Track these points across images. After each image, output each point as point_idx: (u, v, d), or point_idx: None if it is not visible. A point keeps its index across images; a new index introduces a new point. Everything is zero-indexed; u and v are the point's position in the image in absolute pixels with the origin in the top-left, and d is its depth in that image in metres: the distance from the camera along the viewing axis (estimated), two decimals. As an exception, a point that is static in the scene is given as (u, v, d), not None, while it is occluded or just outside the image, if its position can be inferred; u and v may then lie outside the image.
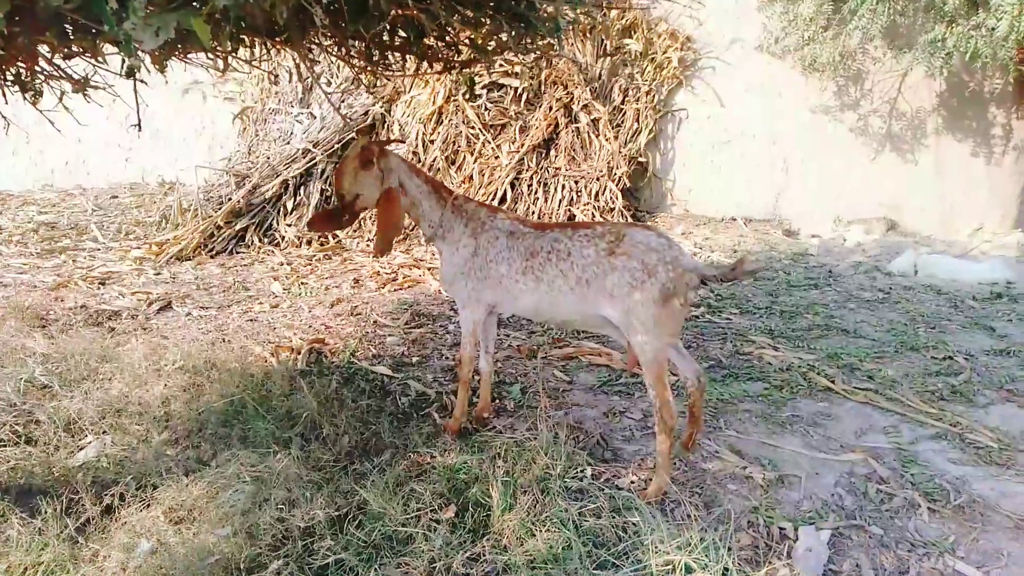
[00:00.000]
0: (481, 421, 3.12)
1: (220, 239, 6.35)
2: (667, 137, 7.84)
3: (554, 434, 2.74)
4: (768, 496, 2.61)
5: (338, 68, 7.38)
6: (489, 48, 2.17)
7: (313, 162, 6.76)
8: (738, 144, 7.71)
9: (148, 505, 2.48)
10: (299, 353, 3.87)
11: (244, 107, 7.80)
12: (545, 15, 1.79)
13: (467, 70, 2.41)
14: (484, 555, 2.16)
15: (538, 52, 2.12)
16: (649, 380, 2.54)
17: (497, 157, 6.94)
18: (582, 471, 2.68)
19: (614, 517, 2.38)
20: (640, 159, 7.54)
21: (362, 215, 3.21)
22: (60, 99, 1.80)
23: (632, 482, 2.64)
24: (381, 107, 7.11)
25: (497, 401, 3.37)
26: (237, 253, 6.35)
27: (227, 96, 8.52)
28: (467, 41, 2.17)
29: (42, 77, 1.64)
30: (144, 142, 8.49)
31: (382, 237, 2.83)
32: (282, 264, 6.00)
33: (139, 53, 1.17)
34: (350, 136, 6.90)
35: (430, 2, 1.39)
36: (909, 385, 3.56)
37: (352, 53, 2.31)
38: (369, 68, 2.40)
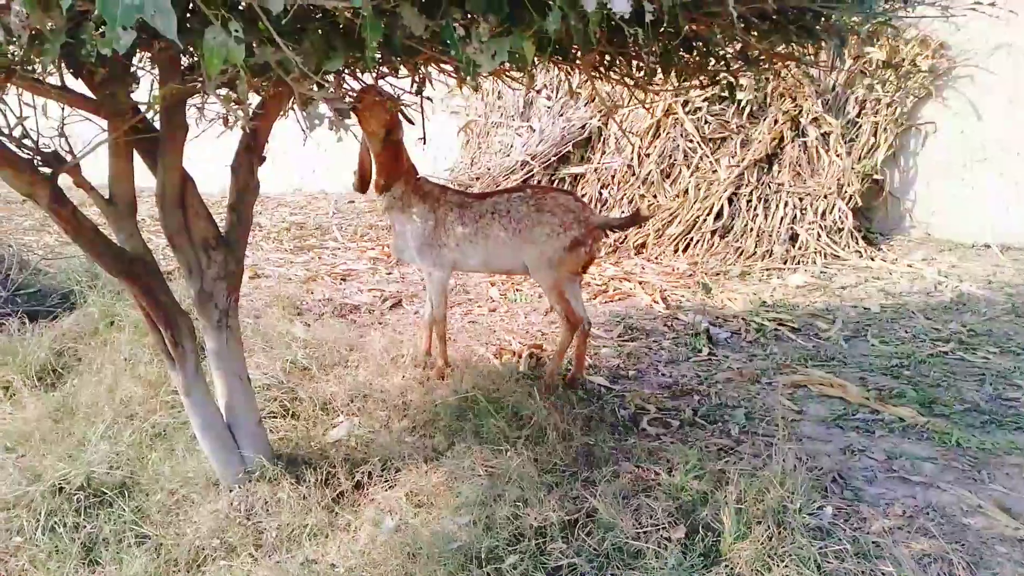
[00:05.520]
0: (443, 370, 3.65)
1: (443, 244, 6.78)
2: (909, 153, 7.12)
3: (791, 466, 2.59)
4: (1050, 567, 2.26)
5: (559, 82, 7.60)
6: (761, 60, 2.11)
7: (531, 174, 7.01)
8: (997, 161, 6.80)
9: (392, 486, 2.70)
10: (519, 356, 4.02)
11: (468, 121, 8.29)
12: (837, 24, 1.71)
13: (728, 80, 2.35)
14: (719, 583, 2.09)
15: (812, 64, 2.04)
16: (552, 299, 3.46)
17: (715, 171, 6.73)
18: (820, 508, 2.50)
19: (860, 562, 2.20)
20: (875, 176, 6.92)
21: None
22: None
23: (884, 528, 2.42)
24: (599, 120, 7.19)
25: (719, 424, 3.28)
26: (458, 258, 6.73)
27: (453, 110, 9.09)
28: (736, 54, 2.13)
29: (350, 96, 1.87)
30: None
31: (382, 180, 3.32)
32: (498, 270, 6.27)
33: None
34: (567, 149, 7.08)
35: (723, 16, 1.38)
36: None
37: (614, 70, 2.36)
38: (636, 84, 2.44)
